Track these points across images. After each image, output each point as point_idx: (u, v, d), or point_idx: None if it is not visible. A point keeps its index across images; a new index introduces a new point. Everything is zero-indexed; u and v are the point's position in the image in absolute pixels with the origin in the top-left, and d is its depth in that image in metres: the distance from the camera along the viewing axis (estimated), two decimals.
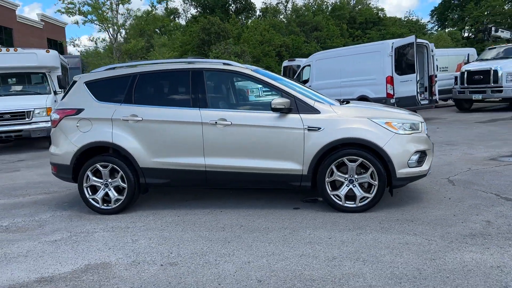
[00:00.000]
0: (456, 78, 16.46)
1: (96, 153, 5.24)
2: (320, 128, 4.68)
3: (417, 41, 12.72)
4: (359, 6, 74.97)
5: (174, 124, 4.99)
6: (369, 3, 75.55)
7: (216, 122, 4.86)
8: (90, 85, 5.35)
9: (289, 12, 74.44)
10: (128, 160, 5.08)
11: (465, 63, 17.45)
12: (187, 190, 6.15)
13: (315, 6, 70.81)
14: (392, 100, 12.78)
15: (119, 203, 5.15)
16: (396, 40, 13.23)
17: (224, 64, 5.20)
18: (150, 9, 25.88)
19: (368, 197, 4.68)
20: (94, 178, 5.18)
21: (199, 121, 4.90)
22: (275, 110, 4.72)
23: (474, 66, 16.17)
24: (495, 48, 17.74)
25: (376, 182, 4.64)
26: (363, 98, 13.53)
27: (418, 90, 12.53)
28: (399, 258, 3.49)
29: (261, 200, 5.40)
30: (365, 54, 13.71)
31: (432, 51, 13.85)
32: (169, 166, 5.01)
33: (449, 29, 69.55)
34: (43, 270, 3.65)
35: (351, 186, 4.71)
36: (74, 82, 5.48)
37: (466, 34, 66.32)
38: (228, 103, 5.50)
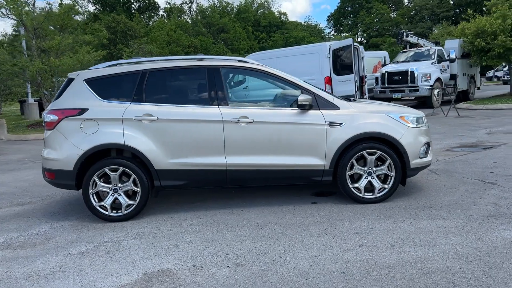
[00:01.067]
0: (376, 78, 17.82)
1: (98, 157, 4.85)
2: (341, 123, 4.86)
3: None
4: (261, 10, 77.08)
5: (193, 123, 4.82)
6: (270, 7, 78.07)
7: (238, 120, 4.79)
8: (91, 83, 4.93)
9: (194, 13, 74.05)
10: (142, 162, 4.79)
11: (382, 65, 18.98)
12: (182, 192, 5.95)
13: (221, 8, 71.28)
14: None
15: (131, 208, 4.84)
16: (333, 42, 13.96)
17: (239, 61, 5.15)
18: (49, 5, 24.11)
19: (385, 188, 4.96)
20: (102, 184, 4.81)
21: (220, 119, 4.80)
22: (300, 106, 4.80)
23: (392, 67, 17.66)
24: (406, 51, 19.54)
25: (393, 173, 4.94)
26: None
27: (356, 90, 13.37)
28: (450, 240, 3.79)
29: (272, 198, 5.43)
30: (304, 55, 14.25)
31: (362, 53, 14.82)
32: (187, 166, 4.83)
33: (344, 34, 74.56)
34: (100, 284, 3.34)
35: (369, 178, 4.96)
36: (70, 80, 5.02)
37: (359, 39, 71.46)
38: (246, 100, 5.43)
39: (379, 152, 4.89)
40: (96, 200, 4.83)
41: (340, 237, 4.01)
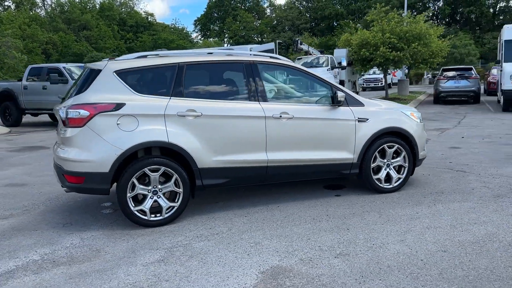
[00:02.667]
0: None
1: (133, 157, 4.43)
2: (368, 119, 5.24)
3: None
4: (123, 9, 74.16)
5: (237, 119, 4.70)
6: (133, 7, 75.60)
7: (280, 116, 4.83)
8: (122, 75, 4.46)
9: (49, 6, 67.79)
10: (185, 161, 4.51)
11: None
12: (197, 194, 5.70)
13: (81, 4, 66.55)
14: None
15: (173, 211, 4.52)
16: (254, 46, 14.35)
17: (271, 57, 5.16)
18: None
19: (400, 178, 5.48)
20: (141, 186, 4.39)
21: (262, 115, 4.77)
22: (338, 103, 5.03)
23: None
24: (301, 58, 20.97)
25: (406, 164, 5.48)
26: None
27: None
28: (493, 217, 4.41)
29: (293, 193, 5.54)
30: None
31: None
32: (230, 164, 4.69)
33: (211, 39, 75.93)
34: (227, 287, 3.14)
35: (388, 169, 5.42)
36: (95, 71, 4.46)
37: (226, 45, 73.49)
38: (283, 97, 5.39)
39: (396, 145, 5.39)
40: (133, 205, 4.38)
41: (402, 222, 4.36)
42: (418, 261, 3.46)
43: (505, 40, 15.32)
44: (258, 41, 71.26)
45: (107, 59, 4.69)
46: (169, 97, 4.52)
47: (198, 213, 4.88)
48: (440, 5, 61.10)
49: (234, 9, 75.75)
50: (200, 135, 4.53)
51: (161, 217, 4.47)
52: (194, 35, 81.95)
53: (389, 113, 5.42)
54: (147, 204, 4.42)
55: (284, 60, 5.20)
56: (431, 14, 22.35)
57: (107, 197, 5.57)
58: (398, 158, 5.44)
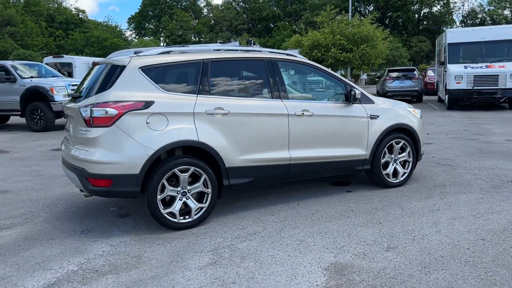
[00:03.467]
0: None
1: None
2: (379, 116, 5.39)
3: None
4: (50, 4, 70.30)
5: (262, 116, 4.64)
6: (61, 2, 71.96)
7: (302, 113, 4.84)
8: (148, 71, 4.23)
9: None
10: (213, 160, 4.38)
11: None
12: None
13: None
14: None
15: (202, 212, 4.37)
16: (217, 45, 14.16)
17: (288, 55, 5.15)
18: None
19: (406, 173, 5.70)
20: (171, 187, 4.21)
21: (285, 112, 4.75)
22: (355, 100, 5.13)
23: None
24: None
25: (411, 159, 5.72)
26: None
27: None
28: (508, 207, 4.71)
29: (304, 191, 5.57)
30: None
31: None
32: (255, 163, 4.62)
33: (147, 38, 73.99)
34: (298, 286, 3.11)
35: (395, 165, 5.62)
36: (118, 67, 4.19)
37: (162, 44, 72.00)
38: (302, 94, 5.35)
39: (403, 141, 5.60)
40: (163, 207, 4.19)
41: (426, 215, 4.53)
42: (465, 250, 3.62)
43: (448, 43, 16.42)
44: (196, 41, 70.60)
45: (129, 54, 4.43)
46: (196, 95, 4.37)
47: (221, 214, 4.75)
48: (371, 9, 64.24)
49: (170, 8, 74.45)
50: (227, 134, 4.42)
51: (190, 219, 4.30)
52: (128, 33, 79.52)
53: (396, 110, 5.62)
54: (176, 206, 4.24)
55: (300, 58, 5.21)
56: (375, 18, 23.45)
57: (112, 200, 5.27)
58: (404, 154, 5.66)
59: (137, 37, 77.44)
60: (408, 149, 5.66)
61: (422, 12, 64.32)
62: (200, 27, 70.81)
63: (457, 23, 64.49)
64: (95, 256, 3.73)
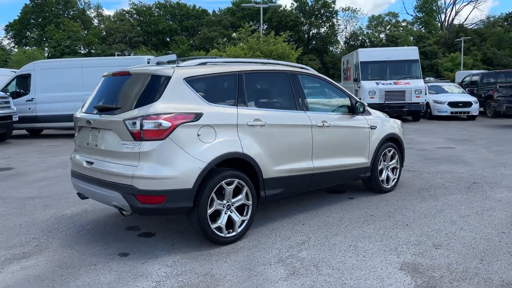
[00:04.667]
0: None
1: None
2: (376, 126, 5.81)
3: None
4: None
5: (292, 128, 4.74)
6: None
7: (323, 124, 5.04)
8: (191, 83, 4.09)
9: None
10: (253, 172, 4.36)
11: None
12: None
13: None
14: None
15: (244, 225, 4.31)
16: (153, 58, 13.76)
17: (302, 68, 5.31)
18: None
19: (395, 178, 6.20)
20: (218, 201, 4.10)
21: (310, 123, 4.91)
22: (362, 112, 5.46)
23: None
24: None
25: (399, 166, 6.24)
26: None
27: None
28: (495, 204, 5.39)
29: (308, 200, 5.72)
30: (116, 68, 13.39)
31: None
32: (286, 173, 4.69)
33: (29, 47, 68.10)
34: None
35: (387, 171, 6.08)
36: (157, 77, 3.98)
37: (47, 55, 66.91)
38: (314, 105, 5.44)
39: (393, 150, 6.09)
40: (210, 222, 4.05)
41: (438, 215, 4.98)
42: (498, 243, 4.10)
43: (360, 62, 17.96)
44: (85, 54, 66.72)
45: (170, 64, 4.23)
46: (236, 106, 4.32)
47: (252, 226, 4.70)
48: (265, 27, 67.10)
49: (57, 16, 69.51)
50: (264, 145, 4.43)
51: (234, 233, 4.21)
52: (5, 42, 72.31)
53: (388, 121, 6.10)
54: (223, 220, 4.12)
55: (313, 71, 5.42)
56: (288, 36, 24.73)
57: (129, 219, 4.91)
58: (393, 161, 6.15)
59: (16, 46, 70.89)
60: (397, 156, 6.16)
61: (311, 32, 68.86)
62: (91, 38, 67.16)
63: (342, 44, 70.25)
64: (161, 278, 3.47)
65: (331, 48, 68.76)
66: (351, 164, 5.46)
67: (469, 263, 3.65)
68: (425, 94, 17.64)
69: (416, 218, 4.90)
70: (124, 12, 72.48)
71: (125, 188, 3.79)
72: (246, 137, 4.26)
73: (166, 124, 3.76)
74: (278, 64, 5.15)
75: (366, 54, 18.26)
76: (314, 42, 69.67)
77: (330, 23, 68.60)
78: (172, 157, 3.80)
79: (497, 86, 16.03)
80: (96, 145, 4.15)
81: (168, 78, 3.97)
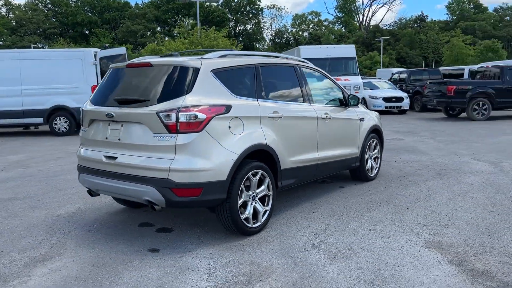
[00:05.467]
0: None
1: None
2: (364, 118, 6.15)
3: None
4: None
5: (302, 119, 4.90)
6: None
7: (326, 116, 5.25)
8: (218, 75, 4.08)
9: None
10: (273, 163, 4.46)
11: None
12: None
13: None
14: None
15: (266, 215, 4.40)
16: (100, 50, 13.11)
17: (302, 61, 5.45)
18: None
19: (377, 167, 6.59)
20: (246, 192, 4.15)
21: (315, 115, 5.10)
22: (356, 105, 5.75)
23: None
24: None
25: (380, 155, 6.64)
26: (61, 108, 12.60)
27: None
28: (471, 188, 5.96)
29: (302, 191, 5.92)
30: (59, 61, 12.65)
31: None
32: (298, 164, 4.83)
33: None
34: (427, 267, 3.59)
35: (370, 161, 6.45)
36: (185, 68, 3.92)
37: None
38: (316, 98, 5.54)
39: (376, 140, 6.48)
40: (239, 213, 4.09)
41: (428, 199, 5.40)
42: (494, 220, 4.57)
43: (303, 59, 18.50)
44: None
45: (195, 56, 4.17)
46: (256, 99, 4.38)
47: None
48: (190, 22, 66.28)
49: None
50: (282, 137, 4.54)
51: (259, 223, 4.28)
52: None
53: (370, 113, 6.46)
54: (250, 211, 4.18)
55: (311, 64, 5.59)
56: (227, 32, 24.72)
57: (135, 216, 4.76)
58: (375, 151, 6.54)
59: None
60: (378, 147, 6.56)
61: (237, 29, 69.25)
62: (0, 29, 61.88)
63: (268, 41, 71.53)
64: (209, 269, 3.47)
65: (257, 45, 69.69)
66: (346, 154, 5.73)
67: (480, 238, 4.06)
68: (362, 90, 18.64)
69: (411, 202, 5.28)
70: (36, 1, 67.57)
71: (160, 182, 3.70)
72: (268, 129, 4.34)
73: (202, 116, 3.73)
74: (282, 57, 5.26)
75: (307, 52, 18.85)
76: (241, 39, 70.16)
77: (256, 20, 69.52)
78: (208, 150, 3.78)
79: (428, 83, 17.39)
80: (119, 139, 3.99)
81: (197, 70, 3.92)
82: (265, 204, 4.38)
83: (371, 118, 6.36)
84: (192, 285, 3.21)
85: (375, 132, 6.48)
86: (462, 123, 14.57)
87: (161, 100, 3.82)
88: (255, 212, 4.25)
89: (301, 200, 5.40)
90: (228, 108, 3.95)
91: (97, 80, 12.66)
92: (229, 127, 3.94)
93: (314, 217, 4.77)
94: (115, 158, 3.97)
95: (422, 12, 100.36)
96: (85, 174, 4.30)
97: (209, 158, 3.77)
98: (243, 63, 4.43)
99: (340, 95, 5.83)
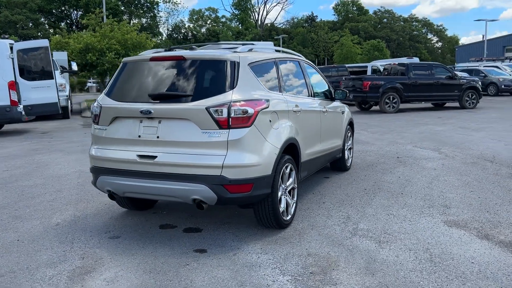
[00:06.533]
0: None
1: None
2: (344, 111, 6.48)
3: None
4: None
5: (312, 113, 5.05)
6: None
7: (326, 110, 5.46)
8: (253, 68, 4.04)
9: None
10: (296, 156, 4.54)
11: None
12: None
13: None
14: (19, 108, 11.50)
15: (293, 208, 4.47)
16: (19, 43, 11.76)
17: (300, 56, 5.55)
18: None
19: (351, 157, 6.99)
20: (282, 185, 4.19)
21: (319, 109, 5.29)
22: (344, 98, 6.03)
23: None
24: None
25: (352, 146, 7.05)
26: None
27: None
28: (436, 173, 6.63)
29: None
30: None
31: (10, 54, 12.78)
32: (310, 156, 4.96)
33: None
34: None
35: (347, 151, 6.82)
36: (222, 62, 3.82)
37: None
38: (315, 91, 5.58)
39: (350, 132, 6.86)
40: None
41: (413, 184, 5.87)
42: (482, 198, 5.17)
43: None
44: None
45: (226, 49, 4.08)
46: (281, 93, 4.42)
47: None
48: (80, 14, 62.02)
49: None
50: (301, 130, 4.63)
51: (289, 216, 4.34)
52: None
53: (346, 106, 6.81)
54: (284, 204, 4.22)
55: (305, 59, 5.72)
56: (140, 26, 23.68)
57: (144, 219, 4.50)
58: (350, 141, 6.92)
59: None
60: (351, 138, 6.96)
61: (132, 22, 66.52)
62: None
63: (165, 36, 69.89)
64: (275, 264, 3.45)
65: (154, 39, 67.69)
66: (335, 145, 6.00)
67: (483, 215, 4.57)
68: None
69: (399, 188, 5.71)
70: None
71: (213, 179, 3.57)
72: (292, 122, 4.40)
73: (251, 110, 3.67)
74: (284, 51, 5.32)
75: None
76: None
77: (152, 14, 67.46)
78: (257, 145, 3.74)
79: (344, 79, 18.58)
80: (158, 137, 3.73)
81: (237, 64, 3.84)
82: (293, 197, 4.43)
83: (348, 112, 6.71)
84: (273, 280, 3.18)
85: (350, 124, 6.85)
86: (378, 116, 15.85)
87: (207, 95, 3.68)
88: (286, 205, 4.29)
89: (304, 192, 5.53)
90: (267, 102, 3.93)
91: (15, 76, 11.37)
92: (270, 121, 3.93)
93: (327, 207, 4.94)
94: (154, 157, 3.72)
95: (312, 12, 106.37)
96: (108, 176, 3.94)
97: (258, 153, 3.73)
98: (268, 57, 4.43)
99: (327, 88, 6.06)
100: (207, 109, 3.57)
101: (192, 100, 3.67)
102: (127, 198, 4.43)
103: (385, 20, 77.46)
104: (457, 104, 17.82)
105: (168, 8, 72.73)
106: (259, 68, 4.16)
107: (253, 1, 74.43)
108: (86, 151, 8.98)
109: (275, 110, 4.04)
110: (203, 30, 70.96)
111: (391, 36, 69.99)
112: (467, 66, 28.89)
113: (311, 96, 5.23)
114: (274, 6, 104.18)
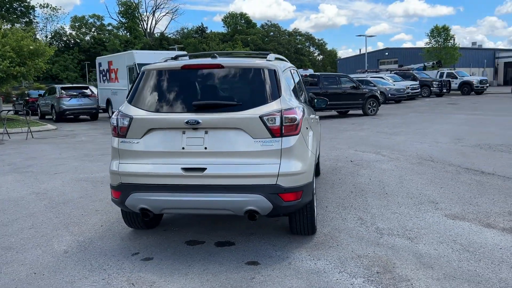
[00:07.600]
0: None
1: None
2: (317, 119, 6.73)
3: None
4: None
5: (315, 120, 5.21)
6: None
7: (317, 118, 5.64)
8: (284, 77, 4.06)
9: None
10: (317, 162, 4.65)
11: None
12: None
13: None
14: None
15: (315, 214, 4.55)
16: None
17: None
18: None
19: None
20: None
21: (315, 116, 5.46)
22: (325, 107, 6.25)
23: None
24: None
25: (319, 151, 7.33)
26: None
27: None
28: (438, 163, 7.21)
29: None
30: None
31: None
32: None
33: None
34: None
35: None
36: (260, 70, 3.78)
37: None
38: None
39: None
40: None
41: (387, 184, 6.30)
42: (455, 193, 5.76)
43: (138, 64, 17.82)
44: None
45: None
46: (298, 101, 4.47)
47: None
48: None
49: None
50: (314, 137, 4.74)
51: (316, 222, 4.41)
52: None
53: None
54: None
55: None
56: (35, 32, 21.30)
57: (172, 236, 4.23)
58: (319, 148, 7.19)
59: None
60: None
61: (3, 27, 60.27)
62: None
63: (44, 43, 64.45)
64: (336, 268, 3.50)
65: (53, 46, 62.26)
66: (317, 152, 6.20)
67: (470, 207, 5.09)
68: None
69: (380, 188, 6.08)
70: None
71: (269, 188, 3.49)
72: (313, 130, 4.49)
73: (298, 118, 3.68)
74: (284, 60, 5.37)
75: (141, 56, 18.22)
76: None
77: (27, 20, 61.83)
78: (303, 152, 3.76)
79: None
80: (205, 148, 3.53)
81: (276, 72, 3.82)
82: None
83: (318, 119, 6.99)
84: (351, 283, 3.22)
85: None
86: None
87: (256, 104, 3.60)
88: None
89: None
90: (303, 110, 3.97)
91: None
92: (306, 128, 3.98)
93: (333, 210, 5.08)
94: (203, 169, 3.51)
95: (202, 23, 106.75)
96: (143, 192, 3.61)
97: (304, 161, 3.74)
98: (287, 66, 4.45)
99: (307, 98, 6.25)
100: (260, 117, 3.49)
101: (243, 109, 3.55)
102: (139, 216, 4.08)
103: (271, 33, 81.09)
104: (359, 112, 19.33)
105: (46, 14, 67.02)
106: (285, 77, 4.17)
107: (141, 9, 72.45)
108: (20, 169, 8.07)
109: (306, 117, 4.09)
110: (87, 38, 67.05)
111: (279, 49, 73.39)
112: (357, 77, 31.58)
113: (308, 104, 5.36)
114: (164, 15, 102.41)
